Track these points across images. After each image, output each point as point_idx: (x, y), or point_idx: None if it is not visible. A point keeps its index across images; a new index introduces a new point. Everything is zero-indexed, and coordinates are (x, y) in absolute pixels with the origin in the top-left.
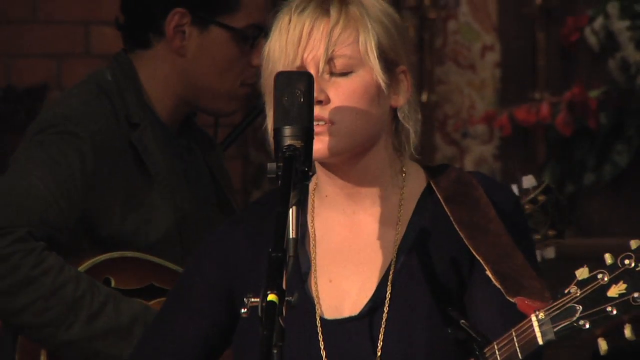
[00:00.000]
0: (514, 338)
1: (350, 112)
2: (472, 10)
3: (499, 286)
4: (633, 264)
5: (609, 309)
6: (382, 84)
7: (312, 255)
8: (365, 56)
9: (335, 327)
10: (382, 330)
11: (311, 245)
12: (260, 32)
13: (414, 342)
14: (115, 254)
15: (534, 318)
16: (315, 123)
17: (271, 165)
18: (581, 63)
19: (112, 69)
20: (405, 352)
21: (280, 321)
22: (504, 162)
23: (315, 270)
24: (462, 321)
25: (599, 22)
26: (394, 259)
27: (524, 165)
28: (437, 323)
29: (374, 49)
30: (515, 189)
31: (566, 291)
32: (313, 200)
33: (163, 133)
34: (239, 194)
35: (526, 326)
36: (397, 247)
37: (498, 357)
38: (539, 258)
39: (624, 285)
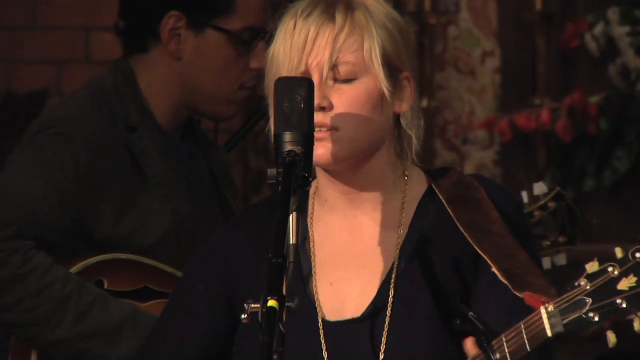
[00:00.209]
0: (523, 330)
1: (353, 119)
2: (473, 16)
3: (505, 282)
4: None
5: (618, 301)
6: (386, 92)
7: (313, 259)
8: (370, 63)
9: (337, 329)
10: (384, 332)
11: (312, 248)
12: (256, 35)
13: (416, 344)
14: (108, 256)
15: (543, 310)
16: (317, 129)
17: (271, 171)
18: (581, 69)
19: (111, 73)
20: (408, 355)
21: (281, 327)
22: (504, 167)
23: (316, 274)
24: (471, 313)
25: (599, 28)
26: (396, 262)
27: (524, 171)
28: (439, 326)
29: (378, 56)
30: (524, 195)
31: (576, 284)
32: (313, 204)
33: (162, 137)
34: (239, 200)
35: (535, 318)
36: (398, 250)
37: (506, 349)
38: (549, 264)
39: (635, 279)
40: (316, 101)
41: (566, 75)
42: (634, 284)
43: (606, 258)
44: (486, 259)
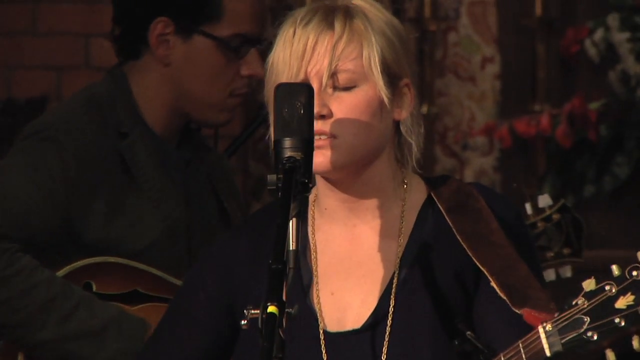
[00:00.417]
0: (521, 350)
1: (353, 126)
2: (472, 22)
3: (504, 297)
4: None
5: (617, 320)
6: (385, 99)
7: (314, 268)
8: (369, 71)
9: (338, 339)
10: (385, 343)
11: (312, 257)
12: (246, 42)
13: (418, 355)
14: (97, 259)
15: (541, 330)
16: (317, 137)
17: (271, 177)
18: (581, 75)
19: (106, 81)
20: None
21: (281, 333)
22: (504, 174)
23: (317, 283)
24: (469, 332)
25: (599, 34)
26: (397, 272)
27: (524, 177)
28: (441, 335)
29: (377, 64)
30: (528, 207)
31: (573, 303)
32: (313, 213)
33: (154, 143)
34: (243, 207)
35: (533, 337)
36: (399, 259)
37: None
38: (554, 276)
39: (632, 297)
40: (315, 109)
41: (566, 81)
42: (632, 302)
43: (608, 263)
44: (485, 272)
